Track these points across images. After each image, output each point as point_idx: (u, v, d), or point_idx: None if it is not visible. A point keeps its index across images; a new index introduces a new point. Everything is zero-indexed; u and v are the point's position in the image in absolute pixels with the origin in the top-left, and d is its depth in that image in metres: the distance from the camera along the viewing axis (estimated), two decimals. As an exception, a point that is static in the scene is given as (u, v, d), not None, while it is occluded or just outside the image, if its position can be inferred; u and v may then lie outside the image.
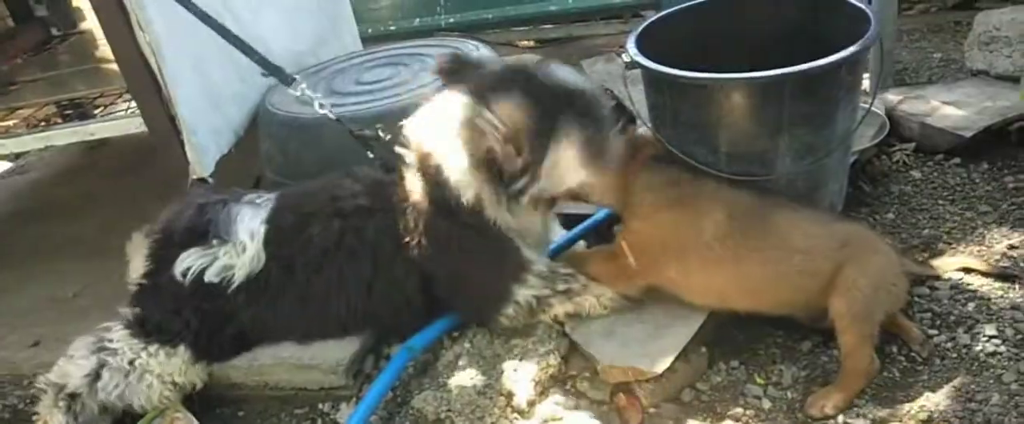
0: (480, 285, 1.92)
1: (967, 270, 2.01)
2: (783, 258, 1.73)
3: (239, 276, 1.92)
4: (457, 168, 1.75)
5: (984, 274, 1.99)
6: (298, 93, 2.20)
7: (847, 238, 1.76)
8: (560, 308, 1.90)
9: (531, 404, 1.80)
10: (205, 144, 2.36)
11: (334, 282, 1.93)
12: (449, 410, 1.79)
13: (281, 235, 1.94)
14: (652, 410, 1.78)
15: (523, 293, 1.87)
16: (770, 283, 1.75)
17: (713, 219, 1.76)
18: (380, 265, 1.91)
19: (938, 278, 2.00)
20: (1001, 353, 1.77)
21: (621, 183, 1.85)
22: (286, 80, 2.23)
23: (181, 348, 1.91)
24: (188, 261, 1.92)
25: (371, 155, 2.09)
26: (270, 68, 2.21)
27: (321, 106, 2.17)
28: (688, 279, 1.80)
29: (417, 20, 4.33)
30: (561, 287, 1.88)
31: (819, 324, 1.82)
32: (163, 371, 1.90)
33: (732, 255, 1.74)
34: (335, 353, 1.94)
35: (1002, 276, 1.97)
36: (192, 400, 1.98)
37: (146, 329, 1.95)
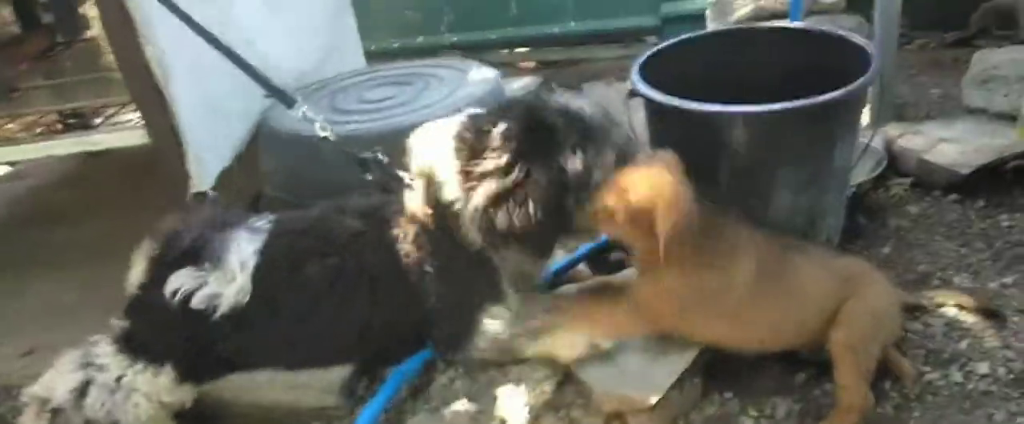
0: (455, 310, 1.87)
1: (959, 306, 2.02)
2: (798, 308, 1.73)
3: (224, 305, 1.84)
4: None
5: (970, 310, 2.00)
6: (299, 115, 2.17)
7: (848, 275, 1.78)
8: (530, 350, 1.87)
9: (524, 430, 1.79)
10: (206, 157, 2.37)
11: (324, 325, 1.87)
12: (442, 433, 1.79)
13: (272, 272, 1.86)
14: (645, 440, 1.78)
15: (491, 326, 1.85)
16: (780, 330, 1.75)
17: (743, 277, 1.71)
18: (379, 299, 1.85)
19: (926, 310, 2.02)
20: (993, 392, 1.77)
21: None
22: (288, 102, 2.21)
23: (168, 367, 1.88)
24: (178, 281, 1.85)
25: (369, 178, 2.05)
26: (272, 89, 2.19)
27: (322, 128, 2.14)
28: (704, 329, 1.77)
29: (420, 38, 4.37)
30: (532, 325, 1.86)
31: (817, 356, 1.83)
32: (150, 390, 1.87)
33: (749, 309, 1.72)
34: (329, 374, 1.94)
35: (987, 312, 1.98)
36: (182, 417, 1.97)
37: (133, 346, 1.91)
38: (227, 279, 1.85)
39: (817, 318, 1.74)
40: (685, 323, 1.77)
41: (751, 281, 1.72)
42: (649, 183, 1.63)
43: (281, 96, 2.21)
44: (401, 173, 1.97)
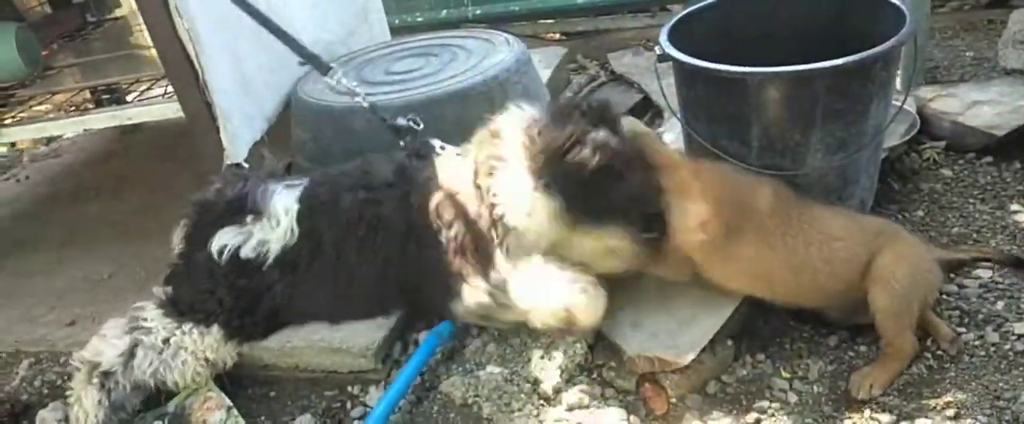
0: (438, 275, 1.91)
1: (986, 260, 2.02)
2: (825, 242, 1.75)
3: (274, 249, 1.96)
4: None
5: (998, 261, 2.02)
6: (334, 82, 2.24)
7: (879, 229, 1.78)
8: (503, 317, 1.89)
9: (557, 392, 1.81)
10: (239, 130, 2.40)
11: (356, 255, 1.95)
12: (476, 395, 1.81)
13: (314, 209, 1.98)
14: (677, 401, 1.80)
15: (469, 296, 1.87)
16: (813, 266, 1.75)
17: (764, 192, 1.76)
18: (392, 241, 1.93)
19: (965, 265, 2.01)
20: (1030, 352, 1.76)
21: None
22: (323, 69, 2.26)
23: (214, 327, 1.96)
24: (224, 239, 1.96)
25: (401, 144, 2.11)
26: (308, 56, 2.24)
27: (357, 95, 2.19)
28: (741, 256, 1.77)
29: (444, 12, 4.34)
30: (502, 300, 1.86)
31: (850, 321, 1.83)
32: (197, 349, 1.94)
33: (781, 231, 1.74)
34: (365, 337, 1.97)
35: (1014, 262, 2.00)
36: (223, 380, 2.02)
37: (179, 308, 2.00)
38: (272, 225, 1.96)
39: (847, 262, 1.74)
40: (711, 260, 1.78)
41: (774, 205, 1.74)
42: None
43: (316, 62, 2.26)
44: (433, 141, 2.00)
